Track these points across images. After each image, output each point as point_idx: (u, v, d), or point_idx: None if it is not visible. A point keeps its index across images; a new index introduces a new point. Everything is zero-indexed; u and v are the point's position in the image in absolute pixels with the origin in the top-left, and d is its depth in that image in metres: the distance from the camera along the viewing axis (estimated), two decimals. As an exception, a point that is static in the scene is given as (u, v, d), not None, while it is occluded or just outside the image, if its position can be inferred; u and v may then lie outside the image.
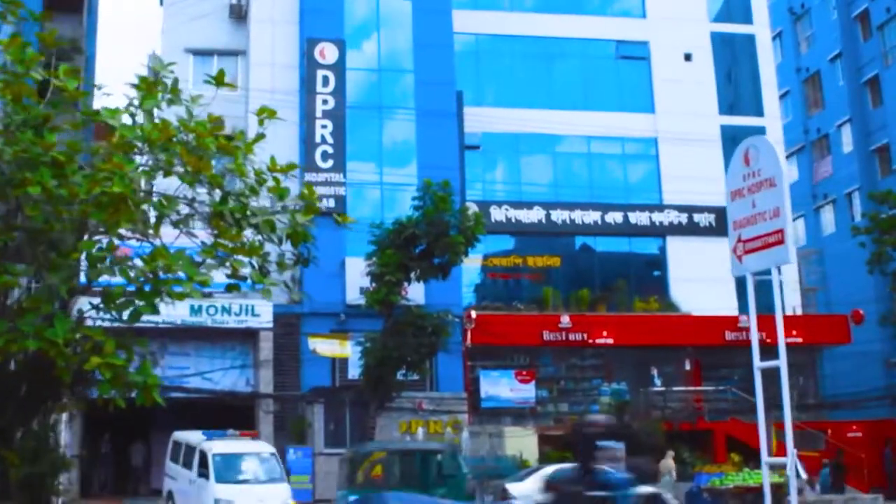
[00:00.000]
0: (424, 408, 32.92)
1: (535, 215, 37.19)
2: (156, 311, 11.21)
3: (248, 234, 13.01)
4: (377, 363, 28.71)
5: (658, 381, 36.03)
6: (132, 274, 11.12)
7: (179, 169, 11.90)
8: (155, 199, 11.95)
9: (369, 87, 36.07)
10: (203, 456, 24.90)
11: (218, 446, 25.29)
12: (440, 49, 36.45)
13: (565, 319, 35.05)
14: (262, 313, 32.41)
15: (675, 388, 35.54)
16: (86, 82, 42.61)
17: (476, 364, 35.04)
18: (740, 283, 37.72)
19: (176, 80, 13.27)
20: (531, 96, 38.68)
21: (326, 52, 35.30)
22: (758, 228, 14.47)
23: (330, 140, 34.67)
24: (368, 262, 29.15)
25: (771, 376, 35.88)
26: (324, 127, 34.75)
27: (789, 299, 38.77)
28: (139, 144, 11.56)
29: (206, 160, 11.86)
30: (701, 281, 36.14)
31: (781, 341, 14.47)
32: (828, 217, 50.59)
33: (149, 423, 36.45)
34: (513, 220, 37.02)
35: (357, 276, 31.61)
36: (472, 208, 33.30)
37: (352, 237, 32.57)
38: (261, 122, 13.55)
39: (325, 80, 35.11)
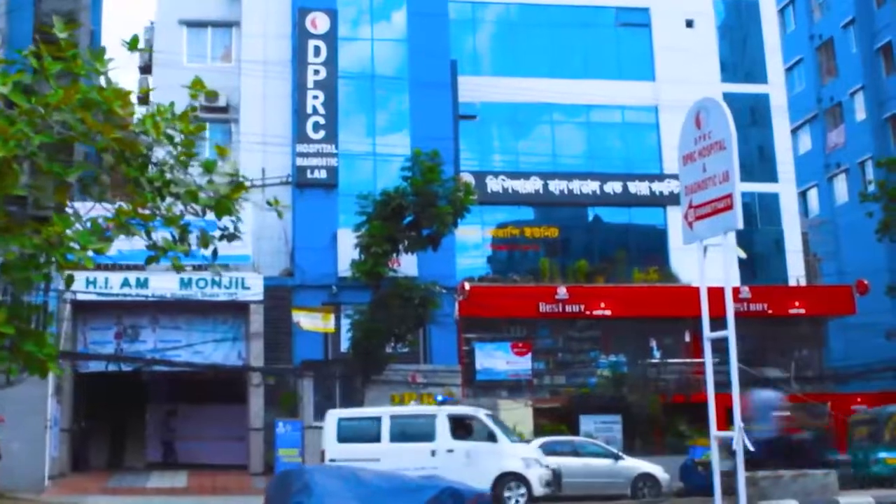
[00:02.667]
0: (418, 381, 32.58)
1: (532, 185, 36.64)
2: (49, 279, 10.79)
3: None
4: (365, 336, 28.45)
5: (657, 354, 35.52)
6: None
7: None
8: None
9: (362, 56, 35.57)
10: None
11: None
12: (434, 18, 35.95)
13: (562, 291, 34.55)
14: (252, 286, 32.16)
15: (673, 360, 34.98)
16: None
17: (471, 336, 34.62)
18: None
19: (103, 50, 12.80)
20: (529, 65, 38.05)
21: (318, 22, 34.83)
22: (708, 193, 13.98)
23: (322, 111, 34.25)
24: (357, 234, 28.83)
25: (773, 349, 35.09)
26: (315, 98, 34.33)
27: (794, 269, 38.15)
28: (39, 108, 11.13)
29: (110, 125, 11.37)
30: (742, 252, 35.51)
31: (730, 311, 14.09)
32: (841, 187, 49.74)
33: (142, 397, 36.54)
34: (510, 191, 36.47)
35: (349, 249, 31.21)
36: (467, 178, 32.97)
37: (344, 209, 32.40)
38: (193, 96, 12.95)
39: (317, 51, 34.66)
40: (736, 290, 35.14)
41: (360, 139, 34.84)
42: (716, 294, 34.86)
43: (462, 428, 23.91)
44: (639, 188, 37.28)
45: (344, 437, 23.64)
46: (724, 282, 13.94)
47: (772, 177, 39.17)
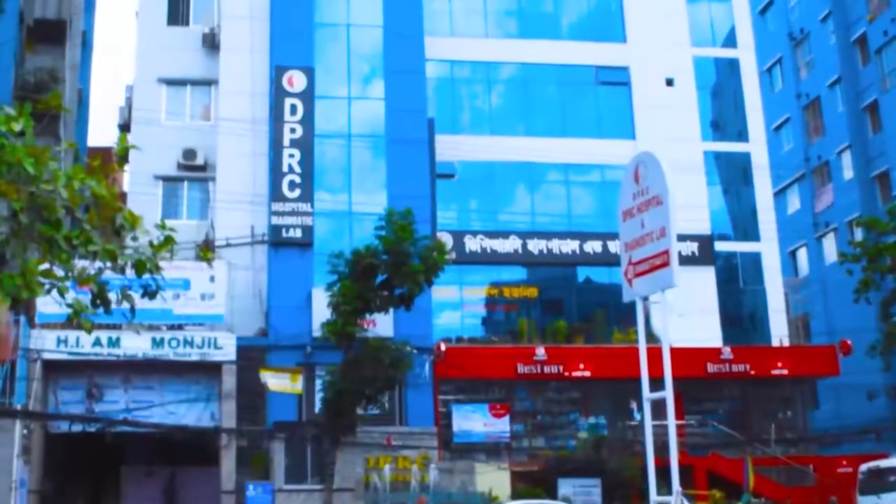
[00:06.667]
0: (392, 443, 32.07)
1: (511, 245, 36.30)
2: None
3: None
4: (336, 397, 28.06)
5: (637, 415, 34.93)
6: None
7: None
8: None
9: (339, 114, 35.47)
10: None
11: None
12: (411, 76, 35.88)
13: (540, 352, 34.13)
14: (224, 346, 31.89)
15: (654, 423, 34.31)
16: (79, 114, 42.38)
17: (448, 398, 34.12)
18: (724, 314, 36.98)
19: (22, 108, 12.61)
20: (508, 123, 38.01)
21: (295, 80, 34.79)
22: (646, 249, 13.66)
23: (297, 169, 34.07)
24: (329, 294, 28.57)
25: (757, 410, 34.37)
26: (291, 156, 34.17)
27: (777, 329, 37.70)
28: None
29: (13, 186, 11.14)
30: (682, 311, 35.08)
31: (668, 372, 13.61)
32: (830, 246, 49.34)
33: (118, 458, 36.00)
34: (488, 250, 36.14)
35: (324, 308, 30.87)
36: (445, 238, 32.76)
37: (320, 268, 32.08)
38: (120, 151, 12.67)
39: (294, 109, 34.56)
40: (717, 351, 35.02)
41: (337, 197, 34.63)
42: (694, 355, 34.47)
43: None
44: (618, 247, 36.84)
45: None
46: (663, 343, 13.40)
47: (756, 236, 38.88)
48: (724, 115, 40.56)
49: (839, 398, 41.70)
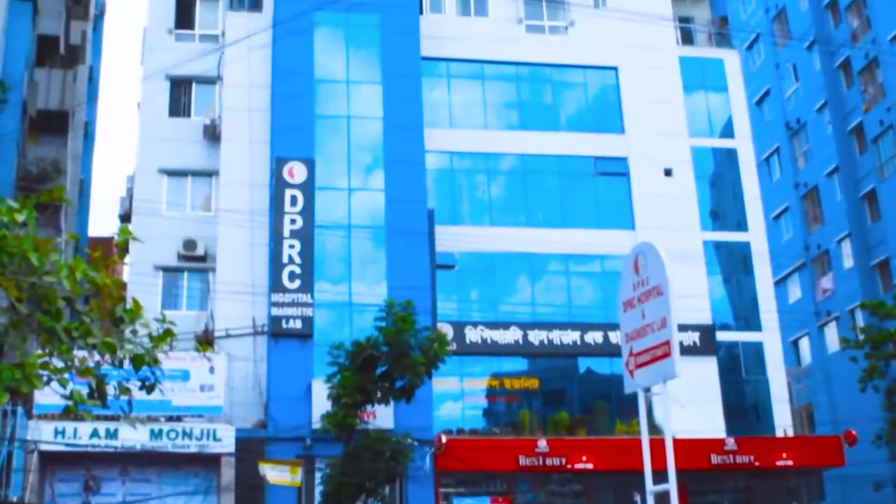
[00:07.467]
0: (393, 537, 31.62)
1: (511, 336, 36.16)
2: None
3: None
4: (335, 490, 27.76)
5: (641, 508, 34.50)
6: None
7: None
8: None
9: (339, 205, 35.61)
10: None
11: None
12: (411, 167, 36.09)
13: (542, 444, 33.76)
14: (223, 438, 31.58)
15: (658, 515, 33.91)
16: (80, 204, 42.55)
17: (449, 491, 33.69)
18: (727, 405, 36.68)
19: (24, 201, 12.70)
20: (508, 214, 38.11)
21: (295, 172, 35.00)
22: (647, 340, 13.57)
23: (298, 260, 34.11)
24: (329, 385, 28.56)
25: (762, 502, 33.79)
26: (291, 247, 34.23)
27: (781, 419, 37.37)
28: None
29: (11, 280, 11.20)
30: (685, 402, 34.80)
31: (671, 464, 13.42)
32: (832, 335, 49.23)
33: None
34: (489, 341, 35.99)
35: (324, 400, 30.71)
36: (445, 329, 32.71)
37: (320, 359, 31.98)
38: (120, 243, 12.83)
39: (294, 200, 34.71)
40: (721, 442, 34.63)
41: (337, 288, 34.60)
42: (698, 446, 34.18)
43: None
44: (619, 338, 36.69)
45: None
46: (666, 435, 13.22)
47: (757, 325, 38.74)
48: (723, 205, 40.69)
49: (845, 489, 41.26)
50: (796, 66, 54.67)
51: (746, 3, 60.05)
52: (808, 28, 53.12)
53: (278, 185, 34.82)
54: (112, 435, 30.85)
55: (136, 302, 12.42)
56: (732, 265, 39.66)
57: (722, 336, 38.12)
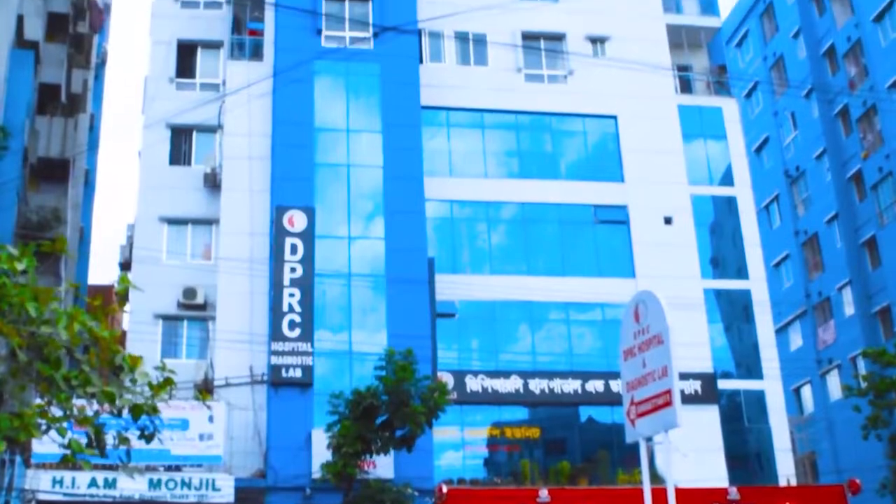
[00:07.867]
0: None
1: (512, 384, 35.99)
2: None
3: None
4: (336, 541, 27.64)
5: (643, 558, 34.14)
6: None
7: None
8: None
9: (339, 254, 35.61)
10: None
11: None
12: (412, 216, 36.13)
13: (544, 494, 33.41)
14: (222, 487, 31.30)
15: (660, 566, 33.58)
16: (80, 252, 42.56)
17: (452, 541, 33.41)
18: (729, 454, 36.43)
19: (24, 249, 12.69)
20: (508, 262, 38.07)
21: (295, 220, 35.03)
22: (649, 389, 13.50)
23: (297, 309, 34.03)
24: (329, 434, 28.55)
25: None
26: (291, 296, 34.17)
27: (784, 468, 37.11)
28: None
29: (13, 328, 11.16)
30: (686, 451, 34.58)
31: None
32: (834, 383, 49.08)
33: None
34: (489, 390, 35.81)
35: (324, 449, 30.59)
36: (446, 378, 32.66)
37: (320, 408, 31.88)
38: (120, 291, 12.90)
39: (294, 248, 34.71)
40: (724, 491, 34.29)
41: (337, 337, 34.53)
42: (700, 496, 33.84)
43: None
44: (620, 387, 36.51)
45: None
46: (667, 484, 13.09)
47: (759, 373, 38.59)
48: (723, 253, 40.67)
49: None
50: (795, 113, 54.97)
51: (745, 51, 60.51)
52: (806, 76, 53.46)
53: (278, 233, 34.84)
54: (110, 484, 30.63)
55: (131, 356, 12.38)
56: (733, 313, 39.59)
57: (723, 384, 37.94)
